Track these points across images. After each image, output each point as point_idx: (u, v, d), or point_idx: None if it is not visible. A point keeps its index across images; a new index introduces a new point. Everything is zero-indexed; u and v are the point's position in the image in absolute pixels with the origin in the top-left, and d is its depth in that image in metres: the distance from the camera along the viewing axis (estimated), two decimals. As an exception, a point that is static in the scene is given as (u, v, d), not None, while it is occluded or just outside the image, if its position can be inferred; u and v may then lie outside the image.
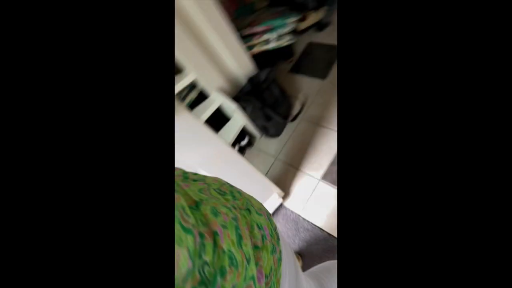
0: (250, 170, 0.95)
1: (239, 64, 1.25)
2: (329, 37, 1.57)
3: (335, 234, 1.03)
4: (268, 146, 1.39)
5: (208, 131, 0.75)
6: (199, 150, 0.77)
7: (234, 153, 0.88)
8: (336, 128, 1.25)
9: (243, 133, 1.41)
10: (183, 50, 1.02)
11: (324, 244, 1.03)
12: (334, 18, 1.60)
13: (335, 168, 1.16)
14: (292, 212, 1.15)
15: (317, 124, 1.32)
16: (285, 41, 1.40)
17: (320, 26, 1.60)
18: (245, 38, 1.35)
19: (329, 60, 1.48)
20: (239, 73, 1.28)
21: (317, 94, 1.40)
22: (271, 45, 1.38)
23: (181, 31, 0.99)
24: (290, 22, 1.36)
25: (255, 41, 1.35)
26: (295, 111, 1.41)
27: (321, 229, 1.07)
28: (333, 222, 1.06)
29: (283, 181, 1.24)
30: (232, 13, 1.66)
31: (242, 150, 1.44)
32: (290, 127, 1.38)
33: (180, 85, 1.09)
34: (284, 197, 1.19)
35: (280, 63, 1.63)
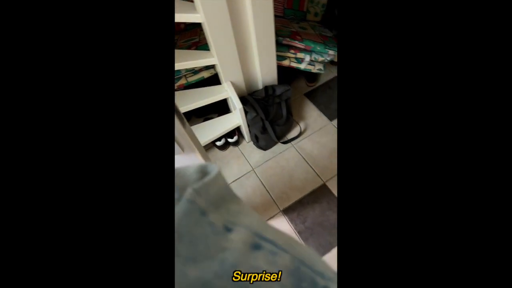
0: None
1: (264, 68, 1.21)
2: (355, 83, 1.57)
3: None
4: (251, 154, 1.39)
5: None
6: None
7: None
8: (319, 173, 1.28)
9: (234, 131, 1.39)
10: (218, 28, 0.96)
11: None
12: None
13: (299, 207, 1.20)
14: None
15: (303, 158, 1.34)
16: (316, 69, 1.37)
17: (353, 68, 1.58)
18: (282, 46, 1.30)
19: (344, 104, 1.49)
20: (259, 77, 1.25)
21: (318, 132, 1.41)
22: (302, 66, 1.35)
23: (222, 4, 0.91)
24: (330, 54, 1.33)
25: (289, 54, 1.31)
26: (290, 135, 1.41)
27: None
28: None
29: (249, 195, 1.26)
30: (282, 9, 1.59)
31: (226, 146, 1.42)
32: (278, 148, 1.38)
33: (198, 62, 1.03)
34: (242, 211, 1.21)
35: (302, 81, 1.61)
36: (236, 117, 1.29)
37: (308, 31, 1.41)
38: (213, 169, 0.25)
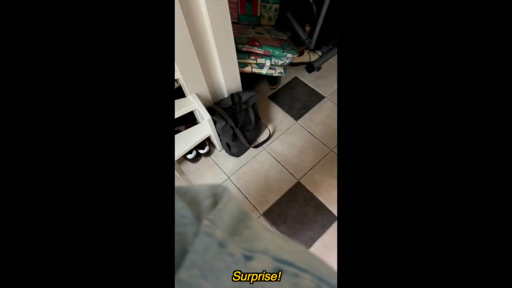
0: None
1: (228, 77, 1.22)
2: (314, 81, 1.65)
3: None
4: (225, 162, 1.40)
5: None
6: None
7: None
8: (292, 171, 1.33)
9: (204, 141, 1.38)
10: (177, 42, 0.94)
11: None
12: (325, 67, 1.70)
13: (278, 208, 1.24)
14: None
15: (276, 159, 1.38)
16: (276, 73, 1.42)
17: (310, 67, 1.67)
18: (242, 53, 1.32)
19: (306, 103, 1.57)
20: (224, 86, 1.25)
21: (286, 132, 1.47)
22: (264, 71, 1.38)
23: (180, 18, 0.89)
24: (288, 57, 1.39)
25: (250, 60, 1.33)
26: (261, 139, 1.44)
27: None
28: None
29: (228, 203, 1.26)
30: (236, 16, 1.60)
31: (198, 157, 1.40)
32: (251, 152, 1.41)
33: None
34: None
35: (264, 84, 1.65)
36: (205, 128, 1.28)
37: (265, 36, 1.45)
38: (224, 192, 0.25)
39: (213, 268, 0.19)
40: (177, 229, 0.20)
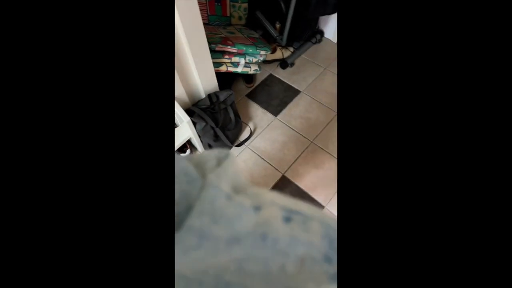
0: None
1: (203, 78, 1.21)
2: (289, 77, 1.69)
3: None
4: (208, 164, 1.38)
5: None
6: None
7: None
8: (276, 166, 1.35)
9: (185, 144, 1.35)
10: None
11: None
12: (298, 62, 1.74)
13: (266, 203, 1.25)
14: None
15: (259, 156, 1.39)
16: (252, 70, 1.43)
17: (283, 64, 1.70)
18: (215, 52, 1.31)
19: (283, 99, 1.59)
20: (200, 87, 1.24)
21: (267, 129, 1.48)
22: (239, 69, 1.39)
23: None
24: (262, 54, 1.41)
25: (224, 59, 1.33)
26: (243, 137, 1.45)
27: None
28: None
29: (215, 204, 1.25)
30: (206, 17, 1.60)
31: (179, 161, 1.37)
32: (233, 152, 1.40)
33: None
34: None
35: (240, 83, 1.65)
36: (184, 131, 1.26)
37: (237, 35, 1.46)
38: (228, 154, 0.25)
39: (224, 215, 0.19)
40: (181, 187, 0.20)
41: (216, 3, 1.56)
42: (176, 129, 1.28)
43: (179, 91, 1.15)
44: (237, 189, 0.22)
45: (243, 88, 1.65)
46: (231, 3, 1.56)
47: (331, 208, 1.22)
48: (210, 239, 0.18)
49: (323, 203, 1.23)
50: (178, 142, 1.24)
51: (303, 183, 1.29)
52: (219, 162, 0.24)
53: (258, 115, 1.54)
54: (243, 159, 1.38)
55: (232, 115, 1.33)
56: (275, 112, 1.54)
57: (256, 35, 1.54)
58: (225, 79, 1.50)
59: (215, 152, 0.25)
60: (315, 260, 0.18)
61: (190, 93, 1.24)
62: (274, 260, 0.18)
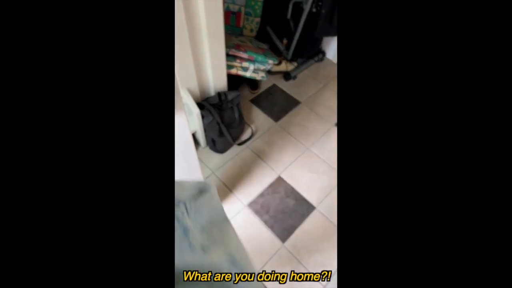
0: (197, 175, 0.98)
1: (216, 76, 1.31)
2: (291, 88, 1.81)
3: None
4: (209, 158, 1.44)
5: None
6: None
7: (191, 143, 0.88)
8: (273, 167, 1.43)
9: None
10: (176, 40, 1.02)
11: (231, 264, 1.12)
12: (300, 77, 1.88)
13: (261, 200, 1.31)
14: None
15: (258, 156, 1.47)
16: (259, 76, 1.54)
17: (287, 76, 1.84)
18: (229, 56, 1.43)
19: (284, 107, 1.71)
20: (212, 83, 1.33)
21: (267, 132, 1.58)
22: (248, 74, 1.50)
23: (180, 18, 0.98)
24: (270, 63, 1.53)
25: (235, 63, 1.45)
26: (244, 137, 1.53)
27: (232, 250, 1.16)
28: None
29: (213, 196, 1.30)
30: (221, 25, 1.73)
31: (182, 153, 1.43)
32: (234, 150, 1.48)
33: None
34: (210, 211, 1.24)
35: (246, 89, 1.76)
36: (192, 123, 1.33)
37: (247, 44, 1.59)
38: (210, 188, 0.26)
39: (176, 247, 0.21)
40: None
41: (231, 14, 1.70)
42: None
43: (193, 83, 1.24)
44: (205, 227, 0.24)
45: (247, 93, 1.75)
46: (245, 16, 1.71)
47: (322, 209, 1.29)
48: None
49: (314, 204, 1.31)
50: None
51: (297, 184, 1.37)
52: (200, 192, 0.25)
53: (260, 119, 1.63)
54: (242, 157, 1.46)
55: (237, 115, 1.42)
56: (276, 118, 1.64)
57: (265, 47, 1.68)
58: (232, 83, 1.60)
59: (198, 183, 0.26)
60: None
61: (202, 88, 1.33)
62: None
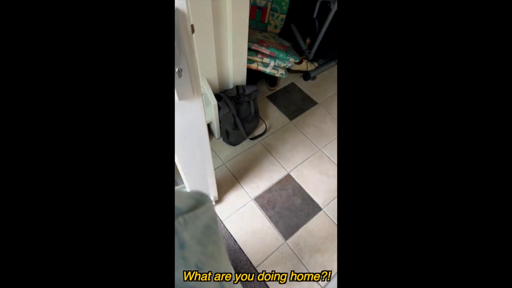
0: (208, 164, 1.01)
1: (236, 69, 1.33)
2: (309, 88, 1.81)
3: (245, 250, 1.17)
4: (221, 149, 1.47)
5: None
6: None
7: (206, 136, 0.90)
8: (283, 164, 1.44)
9: (205, 127, 1.45)
10: (201, 30, 1.04)
11: (233, 255, 1.15)
12: (319, 77, 1.87)
13: (268, 195, 1.33)
14: (217, 216, 1.24)
15: (269, 152, 1.48)
16: (278, 73, 1.55)
17: (306, 76, 1.83)
18: (250, 51, 1.44)
19: (300, 106, 1.70)
20: (231, 76, 1.35)
21: (280, 129, 1.58)
22: (268, 70, 1.51)
23: (208, 10, 1.00)
24: (291, 61, 1.53)
25: (256, 58, 1.46)
26: (258, 132, 1.54)
27: (235, 241, 1.19)
28: (247, 240, 1.20)
29: (221, 186, 1.33)
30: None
31: (196, 141, 1.46)
32: (247, 143, 1.50)
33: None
34: (217, 201, 1.27)
35: (264, 85, 1.77)
36: (208, 114, 1.36)
37: (270, 40, 1.59)
38: (206, 201, 0.26)
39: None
40: None
41: (257, 9, 1.71)
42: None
43: (213, 74, 1.27)
44: (200, 240, 0.23)
45: (265, 89, 1.76)
46: (271, 12, 1.71)
47: (328, 211, 1.29)
48: None
49: (321, 205, 1.31)
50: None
51: (306, 184, 1.38)
52: (197, 204, 0.25)
53: (275, 116, 1.64)
54: (254, 151, 1.47)
55: (253, 110, 1.44)
56: (291, 117, 1.64)
57: (288, 44, 1.68)
58: (251, 77, 1.62)
59: (195, 193, 0.26)
60: None
61: (221, 80, 1.35)
62: None
